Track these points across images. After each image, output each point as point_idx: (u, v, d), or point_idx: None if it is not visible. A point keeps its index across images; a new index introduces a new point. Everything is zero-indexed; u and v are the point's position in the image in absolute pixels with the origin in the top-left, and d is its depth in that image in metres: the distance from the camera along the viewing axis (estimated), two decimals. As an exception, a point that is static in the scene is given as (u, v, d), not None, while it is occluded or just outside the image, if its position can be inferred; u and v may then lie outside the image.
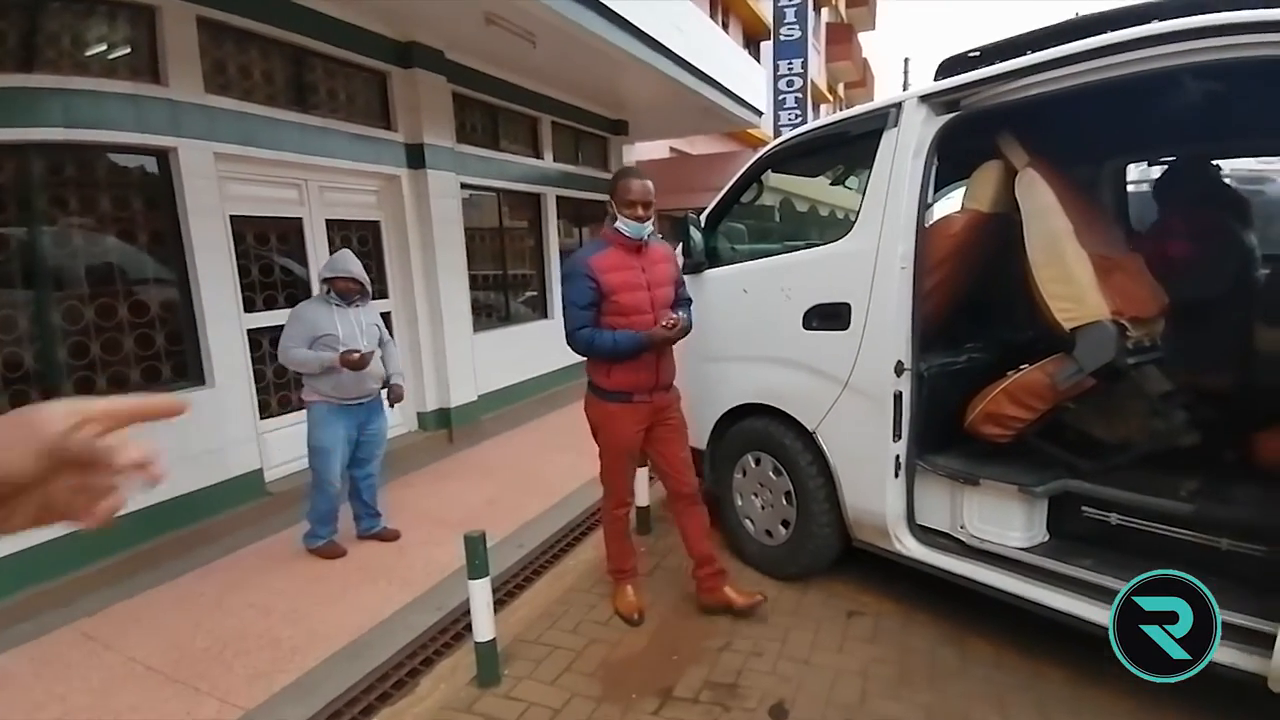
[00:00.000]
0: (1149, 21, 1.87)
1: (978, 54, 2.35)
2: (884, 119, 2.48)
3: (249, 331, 4.09)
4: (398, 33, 4.91)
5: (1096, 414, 2.52)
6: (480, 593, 2.30)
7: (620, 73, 6.20)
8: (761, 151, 3.07)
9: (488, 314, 6.27)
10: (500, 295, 6.48)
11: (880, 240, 2.43)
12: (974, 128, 2.37)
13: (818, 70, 17.48)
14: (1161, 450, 2.27)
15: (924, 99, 2.37)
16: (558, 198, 7.10)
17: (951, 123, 2.34)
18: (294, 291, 4.42)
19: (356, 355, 3.21)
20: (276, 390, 4.35)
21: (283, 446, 4.31)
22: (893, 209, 2.40)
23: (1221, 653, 1.70)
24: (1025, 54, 2.14)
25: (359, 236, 4.96)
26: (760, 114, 8.52)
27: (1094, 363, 2.07)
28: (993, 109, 2.26)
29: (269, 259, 4.33)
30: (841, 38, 20.71)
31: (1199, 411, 2.37)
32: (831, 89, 20.73)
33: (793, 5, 13.02)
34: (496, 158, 6.17)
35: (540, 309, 6.99)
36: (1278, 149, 3.17)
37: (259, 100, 4.15)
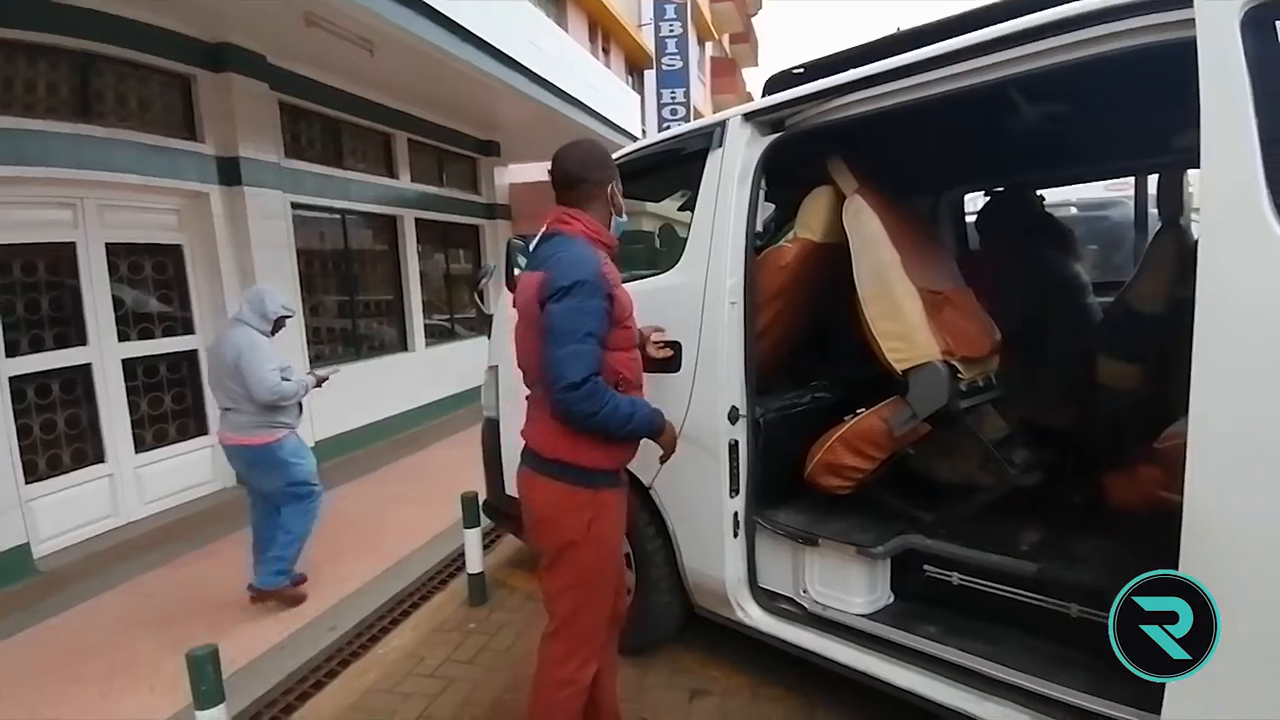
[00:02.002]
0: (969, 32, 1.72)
1: (802, 70, 2.16)
2: (708, 138, 2.24)
3: (11, 379, 3.36)
4: (206, 33, 4.30)
5: (940, 455, 2.36)
6: None
7: (480, 90, 5.82)
8: (592, 172, 2.76)
9: (331, 349, 5.61)
10: (348, 328, 5.83)
11: (707, 273, 2.16)
12: (804, 150, 2.17)
13: (704, 100, 17.89)
14: (1005, 495, 2.12)
15: (748, 118, 2.15)
16: (418, 220, 6.56)
17: (777, 144, 2.13)
18: (64, 330, 3.67)
19: (325, 377, 3.28)
20: (45, 449, 3.56)
21: (56, 515, 3.54)
22: (719, 239, 2.15)
23: None
24: (845, 71, 1.96)
25: (154, 263, 4.24)
26: (635, 139, 8.39)
27: (927, 408, 1.88)
28: (818, 129, 2.07)
29: (36, 294, 3.57)
30: (726, 71, 21.40)
31: (1044, 451, 2.26)
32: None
33: (674, 36, 13.22)
34: (339, 175, 5.59)
35: (398, 341, 6.38)
36: (1116, 171, 3.23)
37: (39, 114, 3.52)
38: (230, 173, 4.46)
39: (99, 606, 3.22)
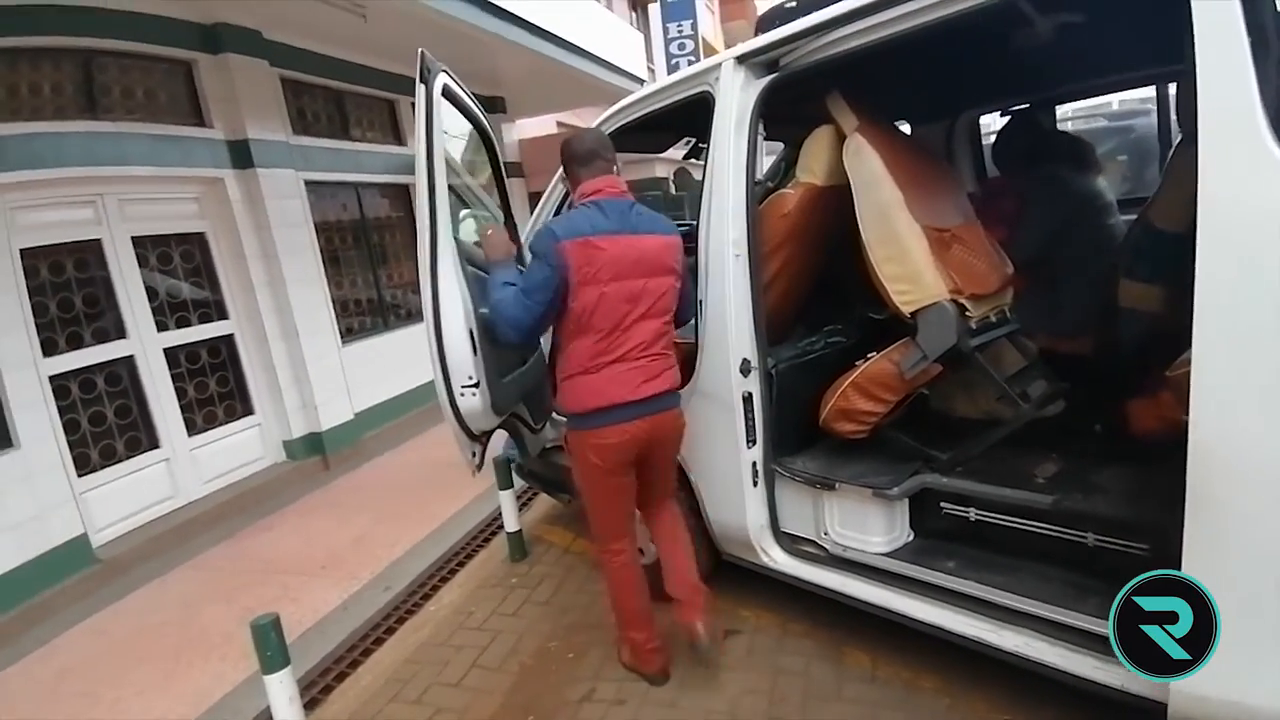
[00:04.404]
0: None
1: (794, 4, 2.06)
2: (707, 85, 2.18)
3: (52, 378, 3.53)
4: (198, 14, 4.26)
5: (958, 391, 2.35)
6: (279, 690, 1.94)
7: (476, 46, 5.68)
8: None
9: (360, 322, 5.73)
10: (373, 300, 5.94)
11: (709, 226, 2.14)
12: (802, 90, 2.10)
13: (714, 30, 17.09)
14: (1026, 427, 2.11)
15: (741, 60, 2.07)
16: (431, 187, 6.54)
17: (773, 85, 2.06)
18: (102, 325, 3.83)
19: None
20: (96, 441, 3.78)
21: (114, 503, 3.78)
22: (719, 190, 2.11)
23: (1110, 672, 1.54)
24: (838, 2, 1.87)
25: (181, 252, 4.36)
26: (641, 81, 8.12)
27: (937, 349, 1.86)
28: (816, 66, 1.99)
29: (68, 293, 3.72)
30: (736, -6, 20.31)
31: (1064, 381, 2.22)
32: (730, 47, 20.39)
33: (676, -37, 12.56)
34: (349, 149, 5.58)
35: (420, 310, 6.47)
36: (1134, 82, 3.04)
37: (47, 116, 3.58)
38: (242, 155, 4.48)
39: (164, 586, 3.44)
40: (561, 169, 2.12)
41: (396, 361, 5.75)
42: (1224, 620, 1.24)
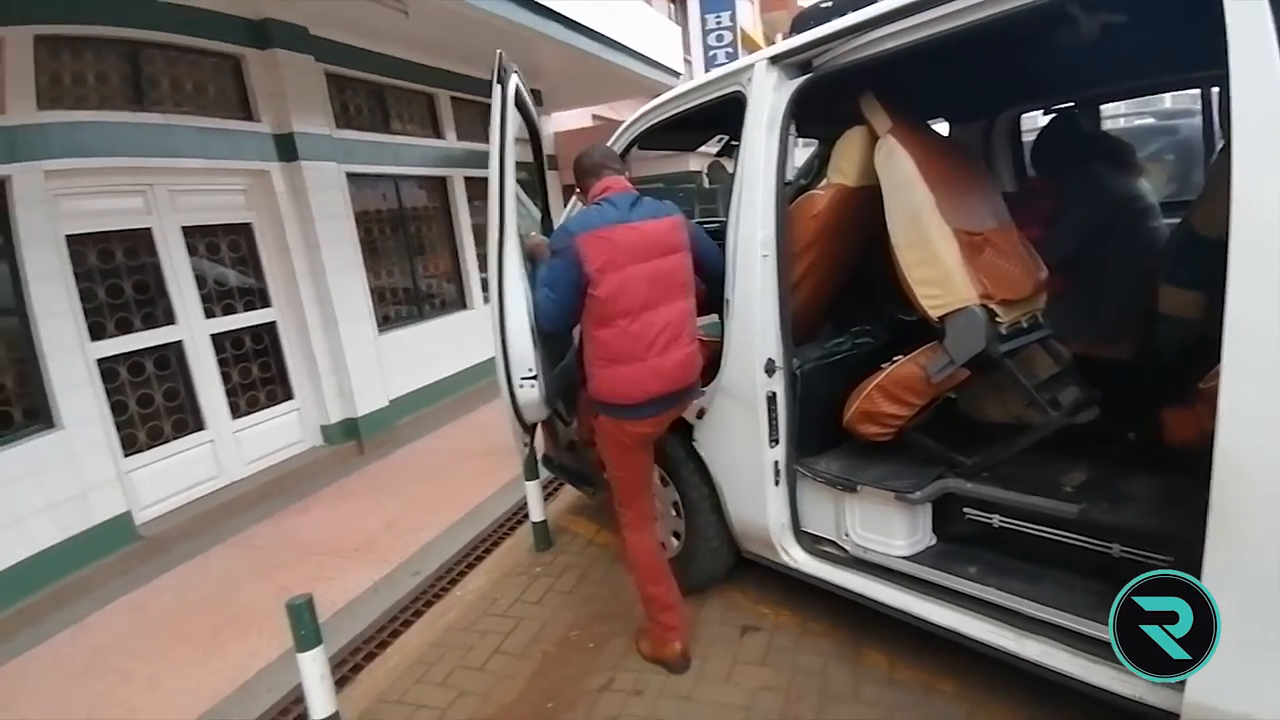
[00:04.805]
0: None
1: (830, 4, 2.05)
2: (739, 85, 2.18)
3: (99, 361, 3.70)
4: (248, 10, 4.40)
5: (989, 393, 2.32)
6: (312, 668, 2.03)
7: (516, 41, 5.74)
8: (622, 128, 2.75)
9: (395, 311, 5.87)
10: (409, 289, 6.07)
11: (738, 225, 2.15)
12: (836, 90, 2.09)
13: (753, 22, 16.89)
14: (1058, 433, 2.08)
15: (774, 60, 2.08)
16: (466, 179, 6.65)
17: (806, 86, 2.05)
18: (152, 310, 4.01)
19: None
20: (144, 422, 3.96)
21: (159, 482, 3.96)
22: (749, 190, 2.12)
23: (1126, 684, 1.53)
24: (875, 2, 1.86)
25: (229, 242, 4.52)
26: (677, 75, 8.10)
27: (965, 354, 1.85)
28: (851, 67, 1.98)
29: (118, 279, 3.90)
30: (776, -15, 20.02)
31: (1098, 387, 2.18)
32: (770, 39, 20.14)
33: (716, -46, 12.45)
34: (389, 142, 5.71)
35: (456, 300, 6.60)
36: (1179, 84, 2.95)
37: (93, 106, 3.70)
38: (287, 148, 4.64)
39: (204, 564, 3.58)
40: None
41: (430, 350, 5.89)
42: (1240, 635, 1.23)
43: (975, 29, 1.67)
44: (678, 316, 2.02)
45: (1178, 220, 2.39)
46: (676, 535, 2.66)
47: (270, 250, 4.72)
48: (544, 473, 3.35)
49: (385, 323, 5.59)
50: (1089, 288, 2.39)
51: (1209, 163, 2.52)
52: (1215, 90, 2.56)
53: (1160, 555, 1.64)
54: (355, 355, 5.01)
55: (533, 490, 3.18)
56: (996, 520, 1.95)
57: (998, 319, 1.86)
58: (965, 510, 2.01)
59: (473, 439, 5.13)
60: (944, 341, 1.90)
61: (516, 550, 3.30)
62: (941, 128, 3.12)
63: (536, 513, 3.21)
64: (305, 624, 1.99)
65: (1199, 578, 1.28)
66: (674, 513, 2.64)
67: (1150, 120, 3.94)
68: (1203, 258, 2.07)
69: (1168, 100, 4.46)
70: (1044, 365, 2.13)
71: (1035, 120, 3.27)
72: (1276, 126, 1.11)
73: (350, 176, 5.21)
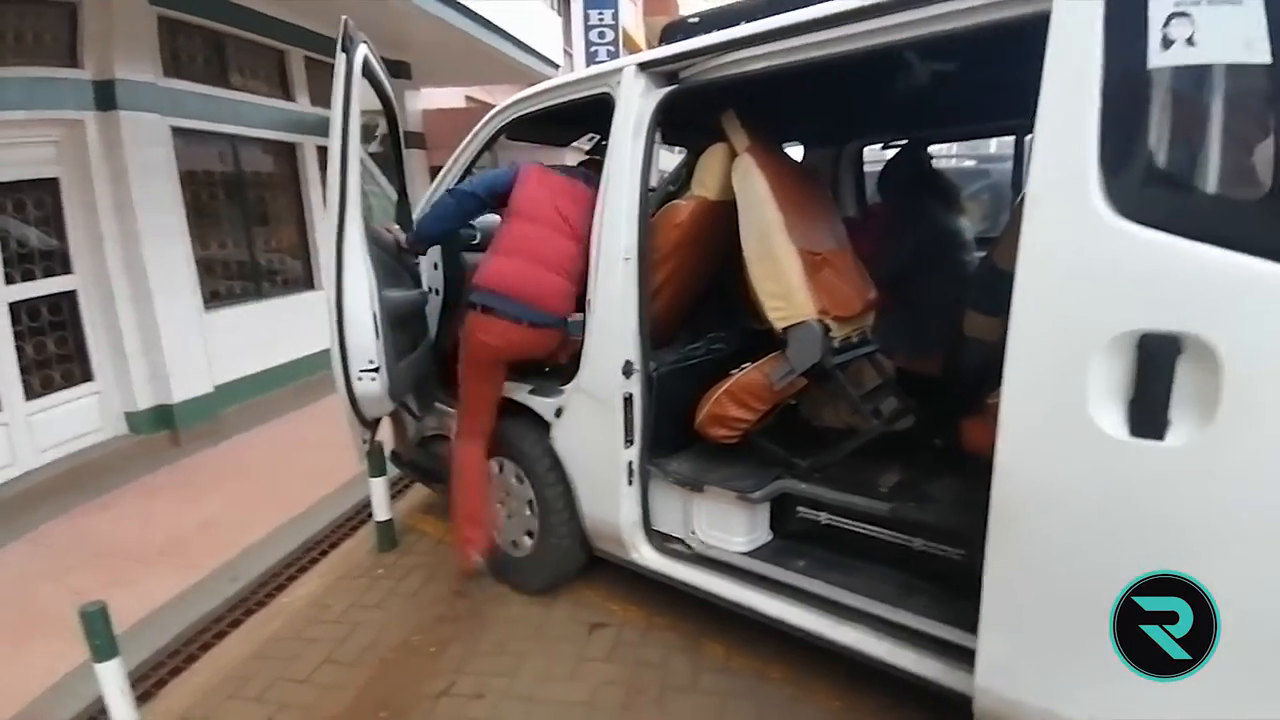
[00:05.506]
0: None
1: (698, 20, 2.12)
2: (607, 87, 2.19)
3: None
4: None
5: (825, 401, 2.52)
6: (110, 679, 1.82)
7: (380, 7, 5.36)
8: (490, 115, 2.67)
9: (228, 287, 5.28)
10: (246, 263, 5.48)
11: (602, 228, 2.17)
12: (701, 104, 2.16)
13: (636, 22, 17.09)
14: (881, 439, 2.29)
15: (642, 68, 2.11)
16: (321, 148, 6.11)
17: (672, 96, 2.11)
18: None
19: None
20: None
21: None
22: (614, 193, 2.14)
23: (926, 665, 1.71)
24: (738, 24, 1.94)
25: (34, 200, 3.87)
26: (556, 66, 8.01)
27: (803, 364, 2.00)
28: (715, 84, 2.05)
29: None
30: (659, -9, 20.41)
31: (915, 398, 2.43)
32: (651, 42, 20.51)
33: (601, -49, 12.45)
34: (227, 97, 5.10)
35: (302, 279, 6.06)
36: (998, 131, 3.39)
37: None
38: (106, 97, 4.04)
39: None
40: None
41: (269, 332, 5.36)
42: (1014, 620, 1.42)
43: (824, 63, 1.80)
44: (566, 252, 2.28)
45: (984, 254, 2.75)
46: (530, 534, 2.63)
47: (75, 210, 4.07)
48: (393, 469, 3.18)
49: (214, 299, 5.01)
50: (910, 310, 2.67)
51: (1014, 204, 2.91)
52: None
53: (954, 549, 1.87)
54: (173, 334, 4.43)
55: (377, 487, 2.99)
56: (824, 517, 2.12)
57: (832, 333, 2.03)
58: (799, 509, 2.17)
59: (314, 431, 4.73)
60: (786, 351, 2.03)
61: (357, 552, 3.10)
62: (797, 151, 3.35)
63: (381, 511, 3.02)
64: (100, 633, 1.80)
65: (983, 569, 1.47)
66: (528, 511, 2.60)
67: (972, 162, 4.50)
68: (1000, 289, 2.39)
69: (993, 145, 5.12)
70: (870, 377, 2.35)
71: (877, 152, 3.60)
72: (1078, 173, 1.27)
73: (178, 132, 4.60)
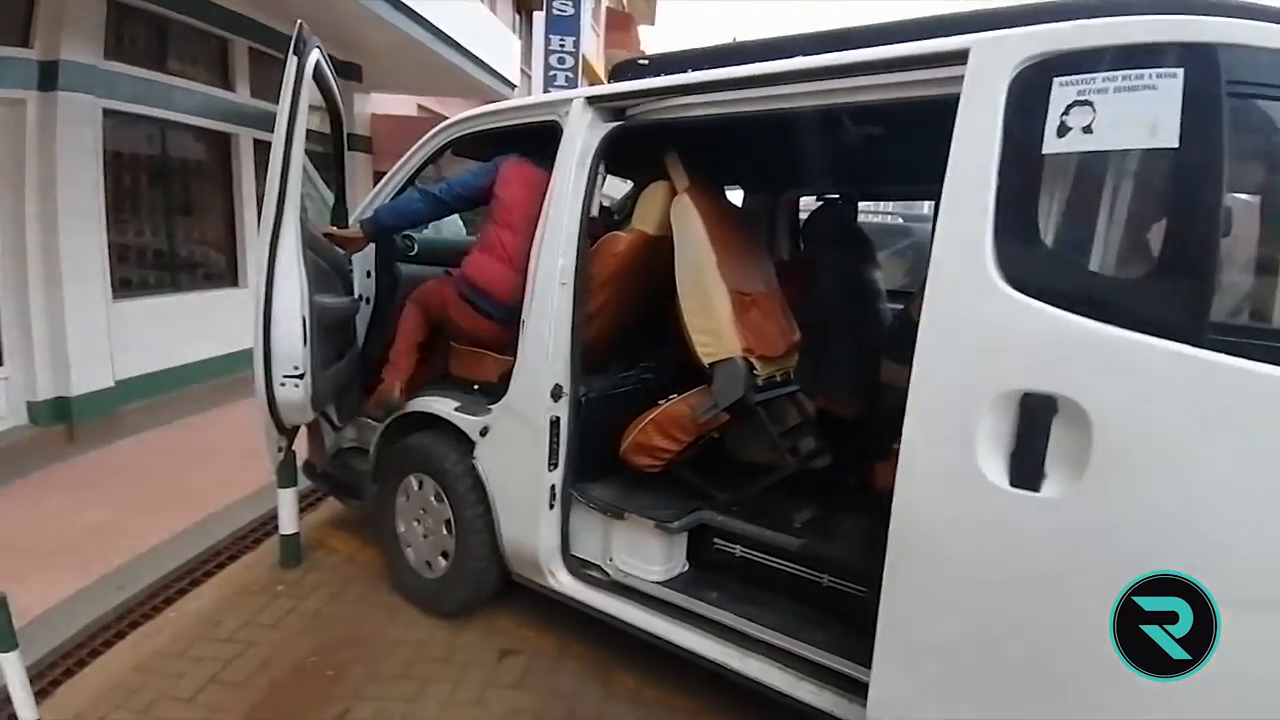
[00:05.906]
0: (804, 54, 1.84)
1: (647, 62, 2.21)
2: (556, 115, 2.24)
3: None
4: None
5: (748, 436, 2.59)
6: (12, 671, 1.80)
7: (335, 9, 5.31)
8: (438, 128, 2.67)
9: (142, 276, 4.99)
10: (163, 253, 5.20)
11: (540, 251, 2.19)
12: (646, 141, 2.24)
13: (597, 52, 17.41)
14: (799, 476, 2.37)
15: (591, 101, 2.17)
16: (258, 141, 5.91)
17: (618, 132, 2.17)
18: None
19: None
20: None
21: None
22: (555, 218, 2.18)
23: (824, 698, 1.76)
24: (685, 71, 2.04)
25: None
26: (513, 86, 8.06)
27: (727, 399, 2.06)
28: (660, 124, 2.13)
29: None
30: (621, 25, 20.87)
31: (832, 438, 2.54)
32: (610, 75, 20.87)
33: (567, -20, 12.67)
34: (162, 81, 4.89)
35: (225, 275, 5.79)
36: (921, 194, 3.63)
37: None
38: (49, 77, 3.91)
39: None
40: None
41: (184, 327, 5.09)
42: (903, 650, 1.50)
43: (762, 116, 1.91)
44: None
45: (901, 307, 2.92)
46: (445, 555, 2.57)
47: (5, 190, 3.87)
48: (304, 481, 3.05)
49: (125, 288, 4.73)
50: (831, 354, 2.80)
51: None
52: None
53: (857, 586, 1.95)
54: (77, 322, 4.15)
55: (286, 499, 2.86)
56: (739, 550, 2.17)
57: (756, 372, 2.11)
58: (715, 540, 2.22)
59: (222, 436, 4.47)
60: (711, 386, 2.10)
61: (257, 566, 2.94)
62: (737, 194, 3.49)
63: (287, 525, 2.89)
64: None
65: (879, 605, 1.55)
66: (445, 531, 2.55)
67: (900, 220, 4.80)
68: (913, 339, 2.57)
69: (925, 206, 5.47)
70: (790, 416, 2.44)
71: (813, 202, 3.79)
72: (963, 248, 1.39)
73: (109, 114, 4.38)
